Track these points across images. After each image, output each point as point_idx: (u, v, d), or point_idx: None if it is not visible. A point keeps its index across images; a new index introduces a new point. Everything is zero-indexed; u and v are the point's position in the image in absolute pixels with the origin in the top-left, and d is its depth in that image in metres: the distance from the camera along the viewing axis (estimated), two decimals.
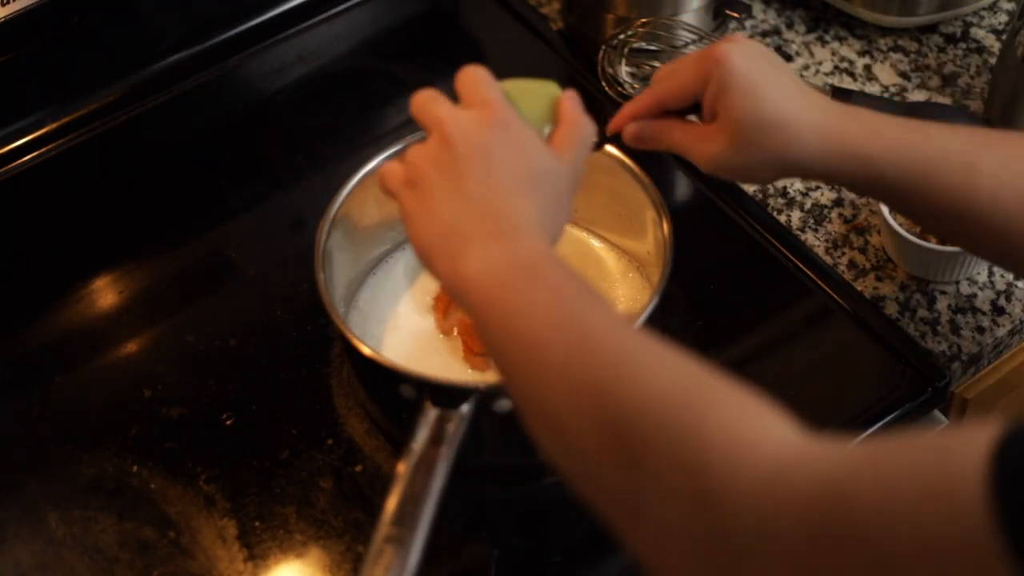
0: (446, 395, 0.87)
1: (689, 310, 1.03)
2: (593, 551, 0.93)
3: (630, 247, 1.02)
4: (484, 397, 0.87)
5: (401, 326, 1.00)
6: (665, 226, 0.94)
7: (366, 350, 0.89)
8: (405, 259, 1.04)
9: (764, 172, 0.85)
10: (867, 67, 1.22)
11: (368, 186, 0.98)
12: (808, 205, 1.11)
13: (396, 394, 0.89)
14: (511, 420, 0.88)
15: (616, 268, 1.02)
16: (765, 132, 0.82)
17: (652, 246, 0.97)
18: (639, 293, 1.00)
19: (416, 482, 0.82)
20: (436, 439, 0.85)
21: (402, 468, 0.83)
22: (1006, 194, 0.80)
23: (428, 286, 1.02)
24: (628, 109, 0.89)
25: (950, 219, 0.83)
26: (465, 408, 0.86)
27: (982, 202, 0.80)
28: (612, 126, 0.91)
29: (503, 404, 0.87)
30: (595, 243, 1.04)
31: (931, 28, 1.25)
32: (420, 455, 0.84)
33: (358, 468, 0.96)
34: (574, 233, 1.04)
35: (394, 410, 0.94)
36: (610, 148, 0.99)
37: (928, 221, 0.89)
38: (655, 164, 1.13)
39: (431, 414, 0.86)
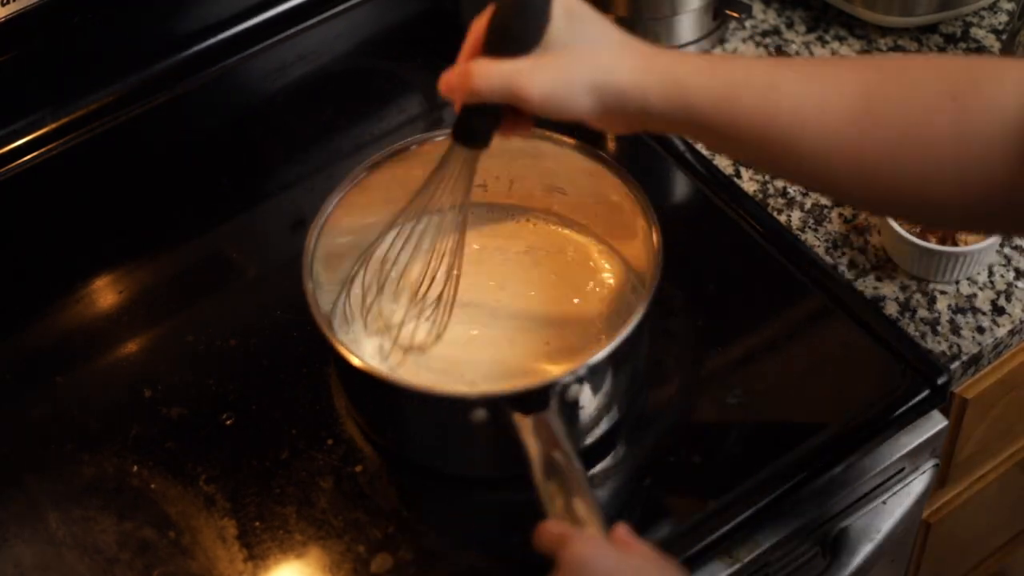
0: (530, 401, 0.86)
1: (689, 310, 1.03)
2: None
3: (628, 252, 1.02)
4: (563, 389, 0.87)
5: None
6: (655, 235, 0.93)
7: (413, 382, 0.89)
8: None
9: (586, 100, 0.81)
10: None
11: (361, 191, 0.98)
12: (808, 205, 1.11)
13: (461, 420, 0.88)
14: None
15: (615, 272, 1.02)
16: (585, 50, 0.81)
17: (645, 252, 0.97)
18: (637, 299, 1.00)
19: (563, 481, 0.83)
20: (548, 442, 0.84)
21: (541, 482, 0.83)
22: (809, 111, 0.80)
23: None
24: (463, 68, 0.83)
25: (756, 143, 0.82)
26: (552, 405, 0.86)
27: (782, 121, 0.80)
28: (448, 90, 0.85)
29: (575, 391, 0.88)
30: (594, 247, 1.03)
31: (931, 28, 1.25)
32: (546, 463, 0.84)
33: (358, 468, 0.96)
34: (573, 238, 1.04)
35: (386, 422, 0.95)
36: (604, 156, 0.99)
37: (736, 147, 0.87)
38: (656, 163, 1.13)
39: (527, 423, 0.86)
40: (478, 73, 0.81)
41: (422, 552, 0.91)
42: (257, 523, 0.93)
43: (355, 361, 0.89)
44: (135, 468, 0.96)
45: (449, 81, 0.83)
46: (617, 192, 0.98)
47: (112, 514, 0.94)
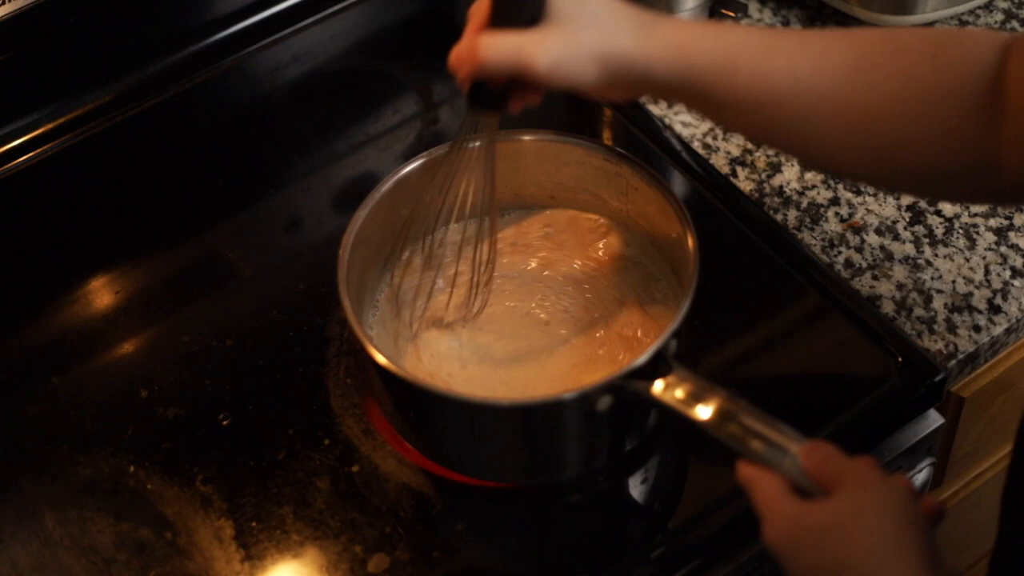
0: (652, 368, 0.87)
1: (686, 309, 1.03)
2: (592, 553, 0.93)
3: (661, 255, 1.01)
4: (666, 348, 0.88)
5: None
6: (690, 241, 0.93)
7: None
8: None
9: (591, 69, 0.84)
10: None
11: (382, 202, 0.97)
12: (804, 204, 1.12)
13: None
14: None
15: (654, 273, 1.01)
16: (589, 20, 0.84)
17: (680, 257, 0.96)
18: (673, 299, 1.00)
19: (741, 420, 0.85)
20: (697, 396, 0.87)
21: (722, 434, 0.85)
22: (803, 73, 0.83)
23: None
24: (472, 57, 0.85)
25: (752, 106, 0.85)
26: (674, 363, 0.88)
27: (778, 84, 0.83)
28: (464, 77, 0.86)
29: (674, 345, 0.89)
30: (630, 251, 1.03)
31: (927, 27, 1.25)
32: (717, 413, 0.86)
33: (354, 468, 0.96)
34: (609, 238, 1.04)
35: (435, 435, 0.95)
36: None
37: (732, 113, 0.88)
38: (653, 163, 1.13)
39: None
40: (485, 45, 0.83)
41: (419, 552, 0.91)
42: (254, 523, 0.93)
43: (380, 359, 0.88)
44: (132, 469, 0.96)
45: (458, 54, 0.85)
46: (656, 202, 0.98)
47: (109, 515, 0.94)
